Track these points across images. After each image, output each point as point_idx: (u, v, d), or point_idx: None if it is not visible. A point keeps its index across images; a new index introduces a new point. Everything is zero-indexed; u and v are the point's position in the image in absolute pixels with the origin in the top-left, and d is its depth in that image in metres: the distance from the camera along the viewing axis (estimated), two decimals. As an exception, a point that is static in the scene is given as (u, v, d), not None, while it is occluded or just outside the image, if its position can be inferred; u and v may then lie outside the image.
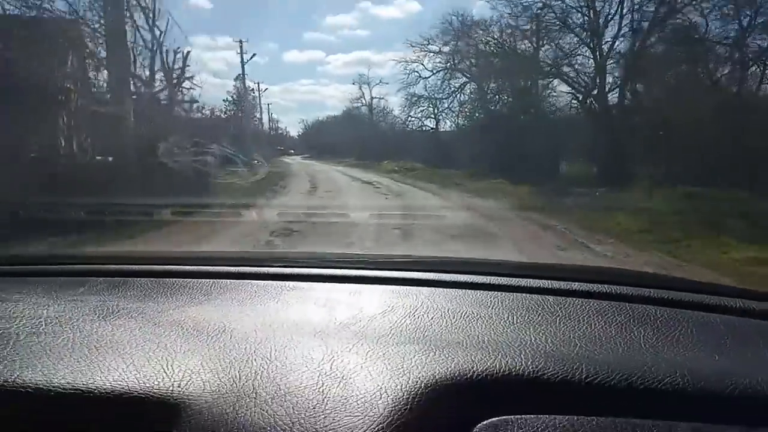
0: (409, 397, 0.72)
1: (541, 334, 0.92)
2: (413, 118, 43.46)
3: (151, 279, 1.26)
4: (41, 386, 0.77)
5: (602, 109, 21.24)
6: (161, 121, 25.76)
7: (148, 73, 25.90)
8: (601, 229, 10.05)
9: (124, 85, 16.85)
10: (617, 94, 21.44)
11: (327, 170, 38.69)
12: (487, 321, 0.99)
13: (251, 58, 38.59)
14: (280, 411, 0.72)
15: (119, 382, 0.78)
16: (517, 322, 0.98)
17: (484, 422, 0.71)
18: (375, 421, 0.69)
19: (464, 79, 39.91)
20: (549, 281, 1.18)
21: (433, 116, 43.01)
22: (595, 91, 21.41)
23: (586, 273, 1.30)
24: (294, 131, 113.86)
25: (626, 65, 20.33)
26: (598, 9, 21.10)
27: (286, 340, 0.90)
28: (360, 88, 66.92)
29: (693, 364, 0.80)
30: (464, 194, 18.83)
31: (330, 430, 0.69)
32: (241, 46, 38.24)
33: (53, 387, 0.77)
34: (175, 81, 26.65)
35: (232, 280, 1.26)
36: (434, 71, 40.52)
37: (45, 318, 0.97)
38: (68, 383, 0.77)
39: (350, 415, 0.70)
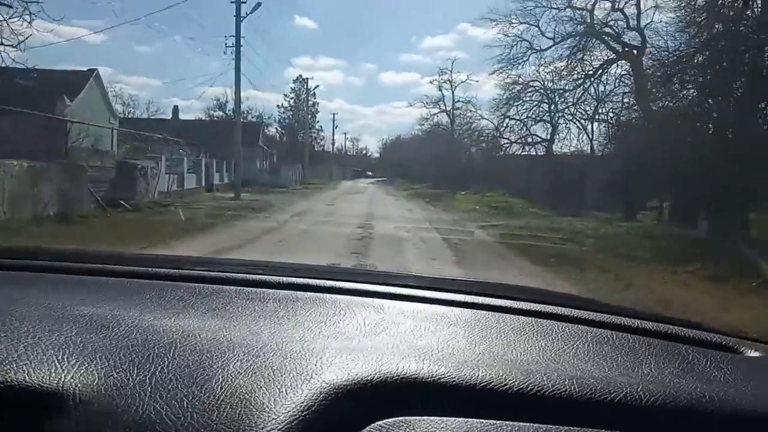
0: (310, 399, 0.72)
1: (441, 342, 0.94)
2: (514, 121, 25.64)
3: (64, 275, 1.22)
4: None
5: None
6: None
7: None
8: None
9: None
10: None
11: (362, 207, 21.74)
12: (405, 330, 0.99)
13: (255, 9, 22.63)
14: (174, 406, 0.70)
15: (8, 372, 0.75)
16: (421, 331, 0.99)
17: (378, 422, 0.72)
18: (273, 420, 0.69)
19: (609, 53, 22.51)
20: (460, 295, 1.19)
21: (547, 118, 24.96)
22: None
23: (492, 288, 1.31)
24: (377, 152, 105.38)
25: None
26: None
27: (196, 345, 0.84)
28: (439, 89, 50.23)
29: (582, 374, 0.83)
30: None
31: (225, 424, 0.68)
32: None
33: None
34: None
35: (148, 281, 1.20)
36: (558, 38, 23.37)
37: None
38: None
39: (250, 416, 0.70)
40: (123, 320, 0.90)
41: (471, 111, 40.91)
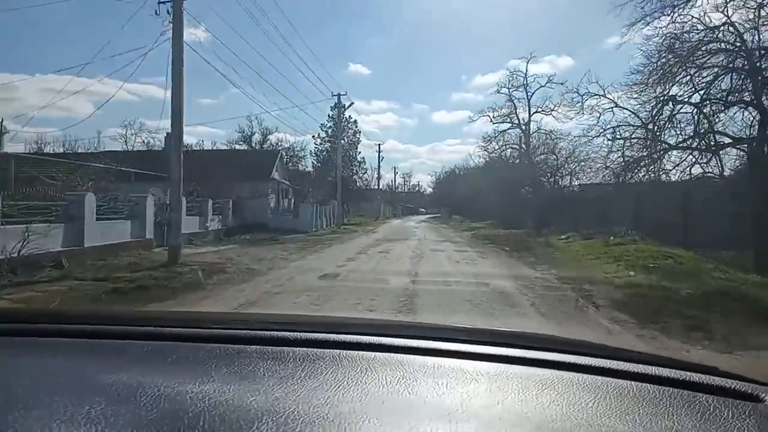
0: None
1: (463, 399, 0.92)
2: (682, 106, 12.88)
3: (87, 340, 1.20)
4: None
5: None
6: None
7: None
8: None
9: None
10: None
11: (397, 277, 10.38)
12: (426, 387, 0.96)
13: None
14: None
15: None
16: (443, 388, 0.96)
17: None
18: None
19: None
20: (478, 346, 1.15)
21: (747, 96, 11.89)
22: None
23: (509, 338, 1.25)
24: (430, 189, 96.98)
25: None
26: None
27: (224, 414, 0.83)
28: (510, 99, 38.01)
29: (606, 431, 0.82)
30: None
31: None
32: None
33: None
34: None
35: (169, 342, 1.17)
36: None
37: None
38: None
39: None
40: (149, 388, 0.88)
41: (553, 135, 29.20)
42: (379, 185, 65.63)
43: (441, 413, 0.83)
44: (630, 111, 14.65)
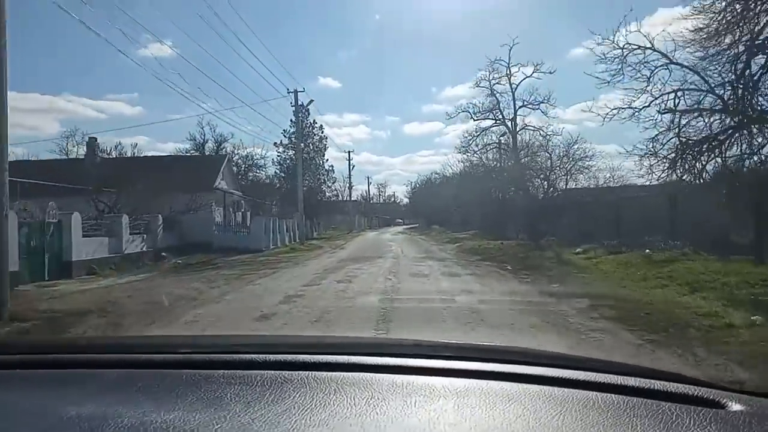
0: None
1: (431, 418, 0.92)
2: None
3: (49, 371, 1.14)
4: None
5: None
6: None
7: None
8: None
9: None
10: None
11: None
12: (394, 407, 0.96)
13: None
14: None
15: None
16: (411, 407, 0.95)
17: None
18: None
19: None
20: (447, 362, 1.14)
21: None
22: None
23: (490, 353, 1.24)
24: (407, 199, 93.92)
25: None
26: None
27: None
28: (492, 92, 33.28)
29: None
30: None
31: None
32: None
33: None
34: None
35: (136, 370, 1.13)
36: None
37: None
38: None
39: None
40: (112, 420, 0.86)
41: (546, 131, 24.89)
42: (350, 196, 61.05)
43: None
44: (690, 69, 10.50)
